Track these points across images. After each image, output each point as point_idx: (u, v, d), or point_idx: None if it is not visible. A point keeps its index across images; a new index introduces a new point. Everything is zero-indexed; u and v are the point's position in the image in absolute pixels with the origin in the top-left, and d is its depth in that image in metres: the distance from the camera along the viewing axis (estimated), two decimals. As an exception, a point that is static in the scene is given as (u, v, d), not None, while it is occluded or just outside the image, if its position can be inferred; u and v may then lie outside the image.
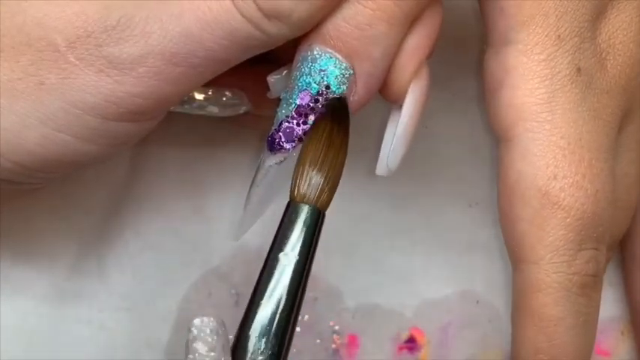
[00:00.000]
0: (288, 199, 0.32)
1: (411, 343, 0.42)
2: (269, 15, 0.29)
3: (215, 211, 0.42)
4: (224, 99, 0.37)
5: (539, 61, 0.33)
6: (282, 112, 0.32)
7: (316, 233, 0.32)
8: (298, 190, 0.32)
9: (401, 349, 0.42)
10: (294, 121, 0.32)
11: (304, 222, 0.32)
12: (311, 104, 0.31)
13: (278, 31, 0.30)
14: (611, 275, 0.42)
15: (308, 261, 0.32)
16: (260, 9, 0.29)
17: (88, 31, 0.29)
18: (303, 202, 0.32)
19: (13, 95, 0.30)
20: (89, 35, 0.29)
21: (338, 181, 0.32)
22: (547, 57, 0.33)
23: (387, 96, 0.33)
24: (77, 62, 0.29)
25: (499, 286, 0.42)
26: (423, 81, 0.33)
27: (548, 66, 0.33)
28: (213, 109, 0.37)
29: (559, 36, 0.33)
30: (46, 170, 0.32)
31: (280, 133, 0.32)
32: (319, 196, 0.32)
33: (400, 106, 0.33)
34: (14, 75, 0.30)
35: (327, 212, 0.42)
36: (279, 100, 0.37)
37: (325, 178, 0.32)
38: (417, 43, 0.32)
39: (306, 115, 0.32)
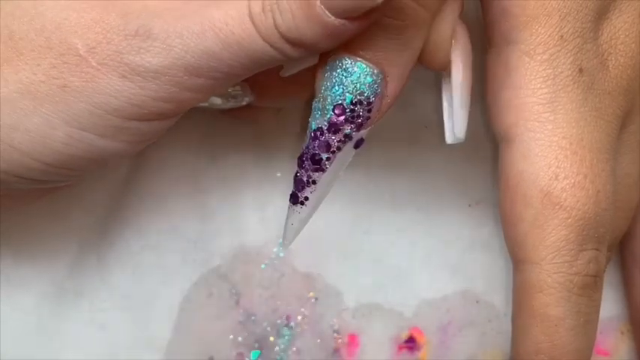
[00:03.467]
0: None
1: (411, 343, 0.42)
2: (293, 44, 0.29)
3: (215, 210, 0.42)
4: (228, 90, 0.37)
5: (542, 61, 0.33)
6: (315, 121, 0.32)
7: None
8: None
9: (401, 349, 0.42)
10: (330, 134, 0.32)
11: None
12: (346, 115, 0.31)
13: (299, 55, 0.30)
14: (611, 275, 0.42)
15: None
16: (284, 37, 0.29)
17: (107, 38, 0.29)
18: None
19: (37, 97, 0.30)
20: (109, 42, 0.29)
21: None
22: (549, 57, 0.33)
23: (432, 65, 0.33)
24: (99, 67, 0.30)
25: (499, 285, 0.42)
26: (463, 40, 0.33)
27: (550, 66, 0.33)
28: (217, 101, 0.37)
29: (562, 36, 0.33)
30: (73, 168, 0.32)
31: (315, 144, 0.32)
32: None
33: (448, 73, 0.33)
34: (36, 77, 0.30)
35: (327, 212, 0.42)
36: (281, 92, 0.37)
37: None
38: (448, 7, 0.32)
39: (342, 127, 0.32)
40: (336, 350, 0.42)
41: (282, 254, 0.42)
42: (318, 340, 0.41)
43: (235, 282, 0.41)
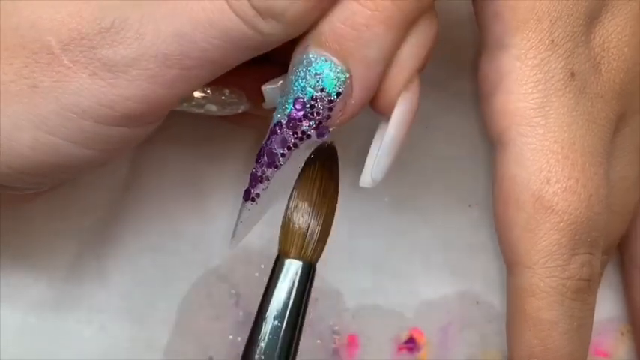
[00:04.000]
0: (277, 253, 0.31)
1: (411, 344, 0.42)
2: (263, 13, 0.29)
3: (215, 211, 0.42)
4: (223, 97, 0.37)
5: (533, 65, 0.32)
6: (277, 115, 0.32)
7: (307, 289, 0.31)
8: (288, 244, 0.31)
9: (401, 349, 0.42)
10: (287, 130, 0.31)
11: (297, 279, 0.31)
12: (305, 111, 0.31)
13: (272, 31, 0.29)
14: (610, 276, 0.42)
15: (300, 317, 0.31)
16: (254, 7, 0.29)
17: (82, 33, 0.29)
18: (294, 257, 0.31)
19: (6, 98, 0.29)
20: (83, 37, 0.29)
21: (329, 232, 0.31)
22: (540, 62, 0.32)
23: (374, 106, 0.32)
24: (71, 65, 0.29)
25: (499, 286, 0.42)
26: (413, 93, 0.32)
27: (541, 71, 0.32)
28: (212, 108, 0.37)
29: (552, 41, 0.32)
30: (39, 174, 0.31)
31: (272, 139, 0.32)
32: (312, 250, 0.31)
33: (388, 118, 0.32)
34: (7, 77, 0.29)
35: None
36: None
37: (318, 230, 0.31)
38: (410, 53, 0.31)
39: (300, 122, 0.31)
40: (336, 351, 0.42)
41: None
42: (318, 341, 0.42)
43: (235, 282, 0.42)
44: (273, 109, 0.35)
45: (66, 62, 0.29)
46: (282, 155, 0.32)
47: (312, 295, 0.41)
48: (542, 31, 0.32)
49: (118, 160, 0.40)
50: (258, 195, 0.32)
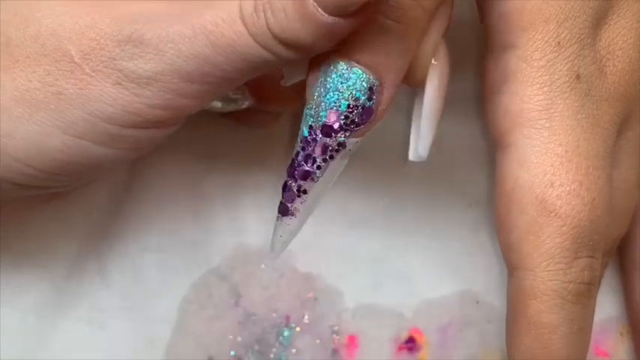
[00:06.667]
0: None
1: (411, 344, 0.42)
2: (286, 44, 0.29)
3: (215, 211, 0.42)
4: (227, 94, 0.37)
5: (539, 67, 0.32)
6: (307, 128, 0.32)
7: None
8: None
9: (400, 349, 0.42)
10: (323, 142, 0.31)
11: None
12: (340, 122, 0.31)
13: (295, 56, 0.29)
14: (610, 277, 0.42)
15: None
16: (276, 38, 0.29)
17: (100, 44, 0.29)
18: None
19: (33, 105, 0.30)
20: (102, 48, 0.29)
21: None
22: (546, 63, 0.32)
23: (409, 82, 0.32)
24: (93, 74, 0.29)
25: (499, 286, 0.42)
26: (443, 61, 0.32)
27: (547, 72, 0.32)
28: (216, 104, 0.37)
29: (559, 42, 0.32)
30: (69, 174, 0.32)
31: (308, 151, 0.31)
32: None
33: (423, 90, 0.32)
34: (32, 85, 0.30)
35: (327, 212, 0.42)
36: (281, 96, 0.37)
37: None
38: (434, 26, 0.31)
39: (336, 134, 0.31)
40: (336, 351, 0.42)
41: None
42: (318, 341, 0.42)
43: (235, 282, 0.41)
44: (276, 103, 0.35)
45: (88, 71, 0.30)
46: (319, 167, 0.32)
47: (312, 294, 0.42)
48: (548, 32, 0.32)
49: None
50: (297, 209, 0.32)
